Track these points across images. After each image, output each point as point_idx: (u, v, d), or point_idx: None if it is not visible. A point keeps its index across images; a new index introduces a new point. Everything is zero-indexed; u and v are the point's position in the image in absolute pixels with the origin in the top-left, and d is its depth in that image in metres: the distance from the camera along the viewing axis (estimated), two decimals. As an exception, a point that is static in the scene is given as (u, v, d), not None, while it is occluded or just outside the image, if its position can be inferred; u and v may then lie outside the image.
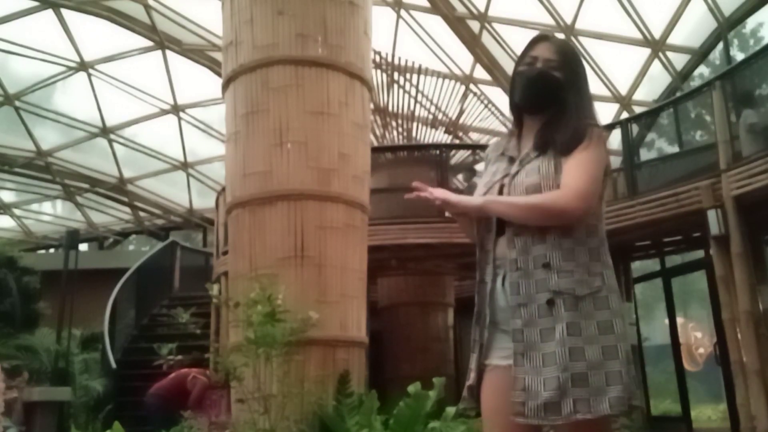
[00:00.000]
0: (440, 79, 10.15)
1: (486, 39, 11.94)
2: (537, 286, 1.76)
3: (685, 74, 11.48)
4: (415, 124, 10.70)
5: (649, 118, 9.83)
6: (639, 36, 10.80)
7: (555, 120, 1.90)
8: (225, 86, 5.41)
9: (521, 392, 1.71)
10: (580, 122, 1.88)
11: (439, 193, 1.90)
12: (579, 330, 1.71)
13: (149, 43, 12.66)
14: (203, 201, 15.82)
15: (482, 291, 1.89)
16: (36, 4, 11.49)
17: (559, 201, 1.76)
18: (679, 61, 11.35)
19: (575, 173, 1.79)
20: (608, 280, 1.80)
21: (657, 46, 10.90)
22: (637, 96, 11.79)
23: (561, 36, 11.37)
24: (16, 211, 17.55)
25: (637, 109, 11.35)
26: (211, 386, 6.68)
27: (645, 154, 9.68)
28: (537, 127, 1.94)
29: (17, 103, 13.44)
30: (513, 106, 2.01)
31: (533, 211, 1.79)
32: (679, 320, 10.12)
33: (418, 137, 10.70)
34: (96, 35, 12.35)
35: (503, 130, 9.98)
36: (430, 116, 10.62)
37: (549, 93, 1.90)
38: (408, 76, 9.98)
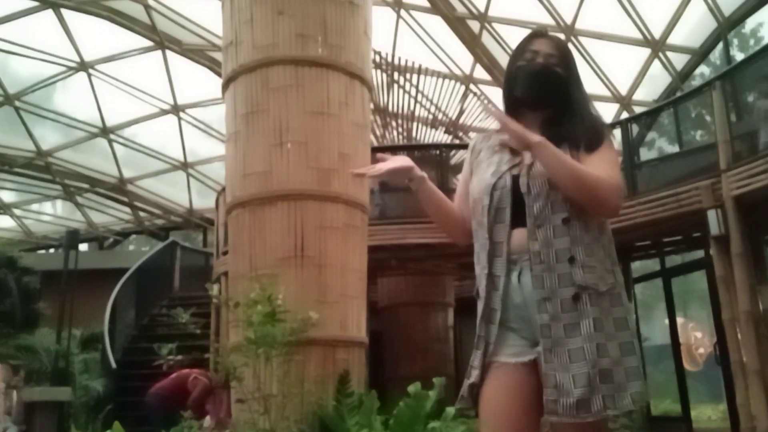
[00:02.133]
0: (440, 79, 10.15)
1: (486, 39, 11.94)
2: (560, 280, 1.73)
3: (685, 74, 11.48)
4: (415, 124, 10.70)
5: (649, 118, 9.82)
6: (639, 36, 10.80)
7: (561, 115, 1.88)
8: (225, 86, 5.40)
9: (553, 390, 1.69)
10: (593, 119, 1.89)
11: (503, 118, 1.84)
12: (602, 326, 1.71)
13: (149, 43, 12.66)
14: (203, 201, 15.83)
15: (493, 285, 1.79)
16: (36, 4, 11.50)
17: (605, 189, 1.73)
18: (679, 61, 11.35)
19: (611, 170, 1.78)
20: (619, 277, 1.81)
21: (657, 46, 10.90)
22: (637, 96, 11.80)
23: (561, 36, 11.38)
24: (16, 211, 17.56)
25: (637, 109, 11.35)
26: (213, 387, 6.68)
27: (645, 154, 9.68)
28: (537, 121, 1.90)
29: (17, 103, 13.44)
30: (511, 100, 1.96)
31: (578, 181, 1.73)
32: (679, 320, 10.12)
33: (418, 137, 10.71)
34: (96, 35, 12.37)
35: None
36: (430, 116, 10.62)
37: (552, 88, 1.88)
38: (408, 76, 9.99)
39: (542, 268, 1.74)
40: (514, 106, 1.95)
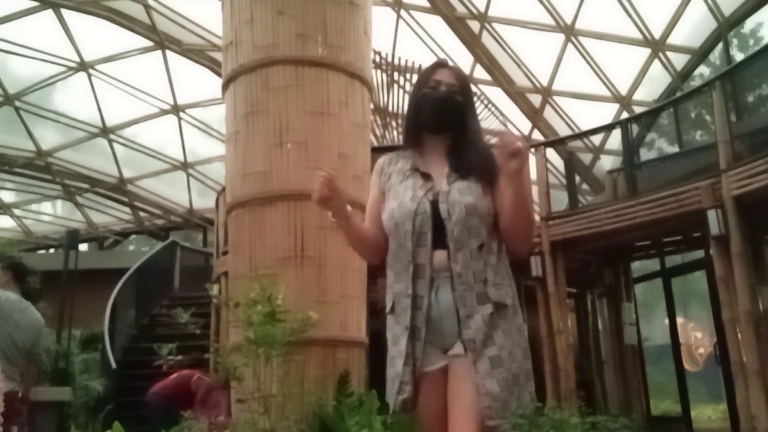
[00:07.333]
0: (440, 79, 10.12)
1: (486, 39, 11.94)
2: (477, 298, 1.92)
3: (685, 74, 11.47)
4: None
5: (649, 118, 9.83)
6: (639, 36, 10.80)
7: (462, 142, 2.05)
8: (225, 86, 5.40)
9: (486, 397, 1.87)
10: (486, 147, 2.06)
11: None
12: (510, 335, 1.95)
13: (149, 43, 12.66)
14: (203, 201, 15.82)
15: (416, 305, 1.95)
16: (36, 4, 11.49)
17: (534, 229, 2.01)
18: (679, 61, 11.34)
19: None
20: (515, 290, 2.06)
21: (657, 46, 10.90)
22: (637, 96, 11.79)
23: (561, 36, 11.37)
24: (16, 211, 17.55)
25: (637, 109, 11.34)
26: (216, 387, 6.67)
27: (645, 154, 9.69)
28: (440, 146, 2.08)
29: (17, 103, 13.43)
30: (415, 126, 2.12)
31: (529, 216, 2.00)
32: (679, 320, 10.13)
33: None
34: (96, 35, 12.35)
35: (503, 129, 9.97)
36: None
37: (454, 115, 2.06)
38: (408, 76, 9.98)
39: (464, 288, 1.92)
40: (417, 131, 2.12)
